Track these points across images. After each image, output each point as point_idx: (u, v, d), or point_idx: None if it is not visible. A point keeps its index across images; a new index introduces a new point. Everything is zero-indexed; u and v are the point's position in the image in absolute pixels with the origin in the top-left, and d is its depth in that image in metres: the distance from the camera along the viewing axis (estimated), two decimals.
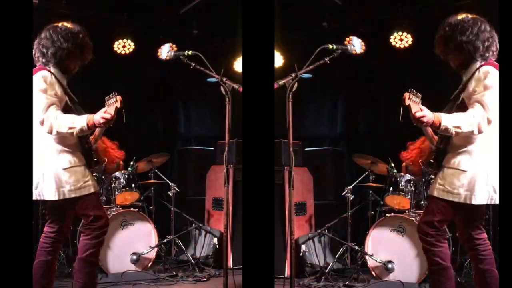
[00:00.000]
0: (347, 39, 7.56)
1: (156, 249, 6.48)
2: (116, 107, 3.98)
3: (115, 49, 7.98)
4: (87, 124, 4.03)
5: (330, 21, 8.01)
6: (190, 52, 4.47)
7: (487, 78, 3.83)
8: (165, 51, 4.55)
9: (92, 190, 4.24)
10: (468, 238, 4.10)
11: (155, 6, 7.99)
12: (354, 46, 4.32)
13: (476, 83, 3.87)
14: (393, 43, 7.52)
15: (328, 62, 4.07)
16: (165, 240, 6.71)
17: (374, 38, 7.37)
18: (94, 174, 4.61)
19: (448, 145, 4.04)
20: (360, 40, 4.07)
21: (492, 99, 3.81)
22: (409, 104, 3.75)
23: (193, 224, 6.98)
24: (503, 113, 3.66)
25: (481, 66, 3.90)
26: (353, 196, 6.54)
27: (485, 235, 4.11)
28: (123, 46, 7.97)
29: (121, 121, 4.12)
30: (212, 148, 7.84)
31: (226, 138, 4.39)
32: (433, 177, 4.72)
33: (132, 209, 6.51)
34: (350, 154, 7.36)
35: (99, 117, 4.03)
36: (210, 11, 8.24)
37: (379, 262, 5.97)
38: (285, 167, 6.55)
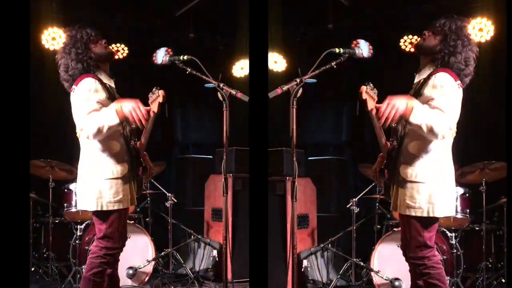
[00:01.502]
0: (354, 42, 7.68)
1: (153, 262, 6.50)
2: (159, 102, 4.07)
3: None
4: (116, 112, 4.10)
5: (336, 22, 8.04)
6: (185, 57, 4.51)
7: (445, 85, 3.88)
8: (161, 56, 4.60)
9: (124, 206, 4.31)
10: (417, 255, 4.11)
11: (149, 8, 8.03)
12: (361, 49, 4.33)
13: (433, 89, 3.91)
14: (403, 47, 7.56)
15: (335, 66, 4.09)
16: (162, 253, 6.74)
17: (382, 41, 7.41)
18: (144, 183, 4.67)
19: (400, 153, 4.08)
20: (367, 43, 4.08)
21: (452, 105, 3.87)
22: (365, 99, 3.78)
23: (192, 236, 7.02)
24: None
25: (436, 71, 3.97)
26: (358, 209, 6.56)
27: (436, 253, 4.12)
28: (117, 50, 8.02)
29: (164, 116, 4.26)
30: (211, 157, 7.88)
31: (224, 145, 4.43)
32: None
33: (128, 221, 6.51)
34: (355, 163, 7.39)
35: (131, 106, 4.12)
36: (207, 13, 8.28)
37: (385, 279, 5.98)
38: (287, 177, 6.56)
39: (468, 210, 6.11)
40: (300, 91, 3.94)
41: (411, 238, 4.09)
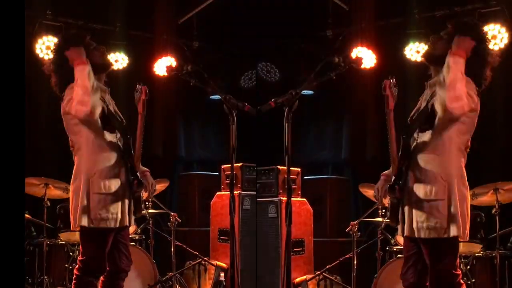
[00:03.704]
0: (355, 50, 7.76)
1: (156, 287, 6.49)
2: (143, 99, 4.09)
3: None
4: None
5: (335, 29, 8.08)
6: (189, 67, 4.53)
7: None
8: (163, 66, 4.64)
9: (112, 225, 4.32)
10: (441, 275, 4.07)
11: (150, 15, 8.08)
12: (362, 58, 4.35)
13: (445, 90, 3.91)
14: (408, 56, 7.59)
15: (334, 77, 4.11)
16: (165, 278, 6.77)
17: (386, 50, 7.45)
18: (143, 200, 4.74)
19: (412, 170, 4.07)
20: (369, 51, 4.11)
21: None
22: (387, 96, 3.76)
23: (197, 259, 7.04)
24: None
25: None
26: (359, 233, 6.55)
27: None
28: (116, 60, 8.04)
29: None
30: (217, 173, 7.88)
31: (231, 161, 4.45)
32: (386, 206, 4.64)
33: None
34: (356, 183, 7.39)
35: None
36: (213, 20, 8.33)
37: None
38: (280, 198, 6.58)
39: (479, 235, 6.12)
40: (296, 103, 3.94)
41: (431, 266, 4.05)
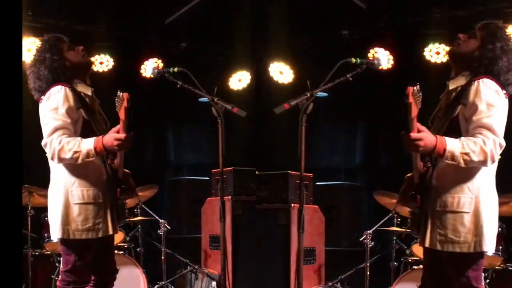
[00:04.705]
0: (372, 51, 7.74)
1: None
2: (124, 107, 4.07)
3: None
4: (95, 149, 4.12)
5: (351, 28, 8.07)
6: (176, 69, 4.54)
7: (490, 94, 3.83)
8: (150, 68, 4.66)
9: (95, 235, 4.29)
10: None
11: (136, 16, 8.10)
12: (380, 59, 4.33)
13: (475, 97, 3.84)
14: (428, 57, 7.58)
15: (350, 79, 4.10)
16: (156, 287, 6.77)
17: (404, 51, 7.43)
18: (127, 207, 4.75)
19: (435, 178, 4.00)
20: (387, 52, 4.11)
21: (499, 119, 3.82)
22: (411, 103, 3.72)
23: (188, 267, 7.05)
24: None
25: (478, 77, 3.89)
26: (373, 243, 6.54)
27: None
28: (100, 62, 8.07)
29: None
30: (208, 178, 7.88)
31: (220, 166, 4.45)
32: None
33: (116, 251, 6.49)
34: (370, 190, 7.38)
35: (111, 139, 4.12)
36: (201, 20, 8.35)
37: None
38: (292, 205, 6.56)
39: (500, 247, 6.09)
40: (311, 106, 3.94)
41: (453, 280, 3.99)
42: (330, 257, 7.13)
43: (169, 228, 6.97)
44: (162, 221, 6.96)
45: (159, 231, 6.95)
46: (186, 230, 8.27)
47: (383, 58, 4.11)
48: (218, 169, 4.49)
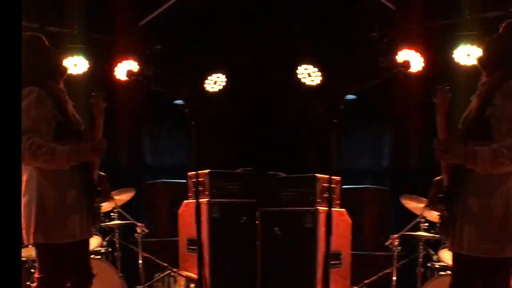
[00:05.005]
0: (402, 53, 7.73)
1: None
2: (104, 107, 4.10)
3: None
4: (67, 160, 4.14)
5: (380, 30, 8.06)
6: (150, 71, 4.58)
7: None
8: (124, 70, 4.66)
9: (67, 239, 4.28)
10: None
11: (110, 18, 8.14)
12: (410, 62, 4.33)
13: (506, 99, 3.82)
14: (458, 59, 7.54)
15: (380, 82, 4.11)
16: None
17: (434, 53, 7.40)
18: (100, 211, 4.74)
19: (467, 179, 3.95)
20: (417, 54, 4.12)
21: None
22: (437, 103, 3.70)
23: (166, 270, 7.10)
24: None
25: (509, 78, 3.87)
26: (399, 248, 6.53)
27: None
28: (74, 64, 8.04)
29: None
30: (185, 181, 7.88)
31: (194, 168, 4.48)
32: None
33: (93, 256, 6.42)
34: (397, 194, 7.35)
35: (89, 151, 4.20)
36: (176, 21, 8.38)
37: None
38: (318, 208, 6.56)
39: None
40: (341, 108, 3.95)
41: (484, 285, 3.94)
42: (356, 261, 7.12)
43: (146, 231, 7.03)
44: (139, 224, 7.02)
45: (136, 235, 6.99)
46: (163, 233, 8.31)
47: (412, 59, 4.11)
48: (194, 172, 4.52)
